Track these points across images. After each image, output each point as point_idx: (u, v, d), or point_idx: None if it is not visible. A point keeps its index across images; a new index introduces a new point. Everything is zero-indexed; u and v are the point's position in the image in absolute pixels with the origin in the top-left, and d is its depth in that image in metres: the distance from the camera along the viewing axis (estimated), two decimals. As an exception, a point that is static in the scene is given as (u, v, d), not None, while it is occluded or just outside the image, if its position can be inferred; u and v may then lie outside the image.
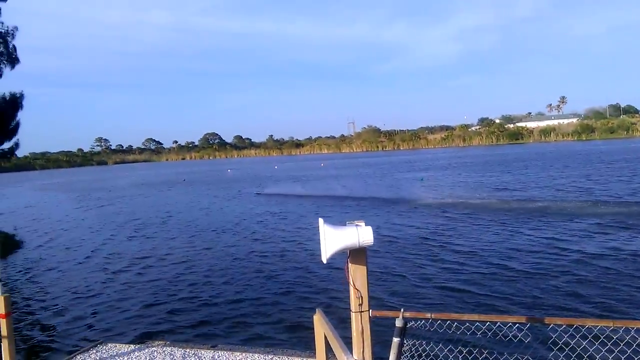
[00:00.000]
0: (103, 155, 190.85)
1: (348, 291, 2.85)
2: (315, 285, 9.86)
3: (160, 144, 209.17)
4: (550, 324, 3.96)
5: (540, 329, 5.42)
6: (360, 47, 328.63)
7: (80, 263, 13.71)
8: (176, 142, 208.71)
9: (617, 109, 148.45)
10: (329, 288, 9.49)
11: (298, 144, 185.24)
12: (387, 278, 9.91)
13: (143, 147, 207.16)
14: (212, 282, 10.67)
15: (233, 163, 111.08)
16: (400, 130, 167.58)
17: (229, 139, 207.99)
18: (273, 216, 20.25)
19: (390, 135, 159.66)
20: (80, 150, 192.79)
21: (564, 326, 4.65)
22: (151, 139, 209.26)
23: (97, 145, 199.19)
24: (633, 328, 3.85)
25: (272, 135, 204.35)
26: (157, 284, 10.83)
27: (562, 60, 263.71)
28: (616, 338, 4.31)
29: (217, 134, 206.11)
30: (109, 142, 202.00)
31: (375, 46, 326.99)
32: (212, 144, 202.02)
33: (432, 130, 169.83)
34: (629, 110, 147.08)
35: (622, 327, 3.92)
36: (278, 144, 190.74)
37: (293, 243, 14.31)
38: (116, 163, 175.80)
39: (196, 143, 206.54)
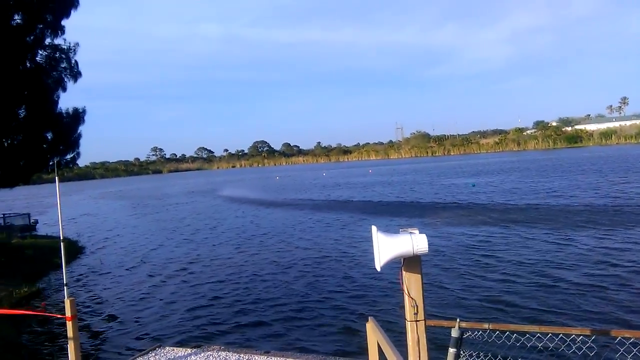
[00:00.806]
0: (158, 164, 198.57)
1: (394, 300, 2.81)
2: (363, 293, 9.80)
3: (212, 152, 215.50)
4: (617, 337, 3.74)
5: (606, 342, 5.12)
6: (408, 52, 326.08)
7: (134, 268, 14.30)
8: (227, 150, 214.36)
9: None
10: (376, 296, 9.40)
11: (346, 151, 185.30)
12: (431, 288, 9.71)
13: (195, 155, 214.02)
14: (261, 288, 10.82)
15: (281, 170, 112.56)
16: (450, 135, 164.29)
17: (277, 146, 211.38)
18: (318, 224, 20.34)
19: (440, 140, 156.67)
20: (137, 159, 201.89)
21: (632, 339, 4.38)
22: (203, 147, 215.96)
23: (153, 155, 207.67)
24: None
25: (319, 142, 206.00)
26: (209, 288, 11.11)
27: (621, 59, 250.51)
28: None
29: (266, 142, 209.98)
30: (163, 151, 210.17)
31: (424, 50, 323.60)
32: (261, 151, 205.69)
33: (484, 134, 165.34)
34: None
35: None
36: (326, 151, 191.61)
37: (344, 250, 14.32)
38: (170, 171, 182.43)
39: (246, 151, 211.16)
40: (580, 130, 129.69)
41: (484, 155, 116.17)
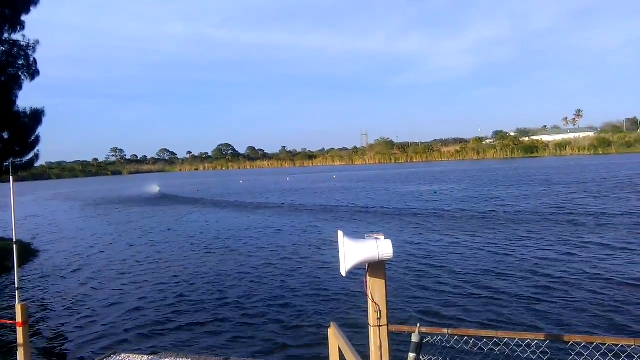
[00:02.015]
0: (118, 165, 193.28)
1: (359, 304, 2.83)
2: (329, 298, 9.81)
3: (174, 154, 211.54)
4: (569, 342, 3.89)
5: (559, 346, 5.32)
6: (375, 59, 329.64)
7: (86, 271, 13.84)
8: (190, 152, 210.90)
9: (634, 123, 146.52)
10: (342, 301, 9.44)
11: (311, 156, 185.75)
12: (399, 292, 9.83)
13: (157, 157, 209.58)
14: (220, 293, 10.67)
15: (246, 174, 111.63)
16: (413, 142, 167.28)
17: (242, 150, 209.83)
18: (278, 229, 20.28)
19: (403, 147, 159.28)
20: (95, 160, 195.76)
21: (583, 344, 4.57)
22: (165, 149, 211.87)
23: (112, 155, 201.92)
24: (656, 347, 3.76)
25: (285, 147, 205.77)
26: (163, 294, 10.87)
27: (578, 73, 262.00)
28: (637, 356, 4.23)
29: (230, 145, 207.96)
30: (123, 152, 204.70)
31: (390, 58, 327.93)
32: (226, 154, 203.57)
33: (446, 142, 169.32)
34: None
35: (645, 346, 3.84)
36: (291, 156, 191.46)
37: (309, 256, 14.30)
38: (131, 173, 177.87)
39: (209, 154, 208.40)
40: (537, 140, 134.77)
41: (445, 163, 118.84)
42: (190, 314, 9.28)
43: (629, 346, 4.64)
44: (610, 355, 4.87)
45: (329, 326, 3.82)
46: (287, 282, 11.24)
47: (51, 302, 10.90)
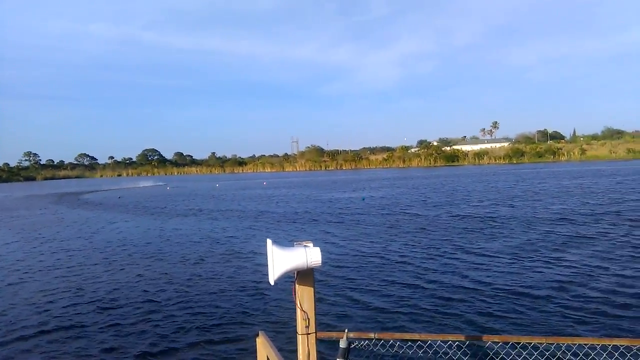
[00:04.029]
0: (32, 171, 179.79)
1: (289, 312, 2.82)
2: (257, 306, 9.70)
3: (95, 159, 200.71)
4: (488, 342, 4.10)
5: (479, 345, 5.60)
6: (306, 68, 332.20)
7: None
8: (112, 157, 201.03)
9: (544, 135, 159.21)
10: (272, 309, 9.36)
11: (241, 162, 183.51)
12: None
13: (76, 162, 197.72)
14: (142, 304, 10.21)
15: (173, 180, 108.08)
16: (343, 150, 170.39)
17: (169, 155, 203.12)
18: (208, 235, 19.81)
19: (333, 155, 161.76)
20: (6, 164, 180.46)
21: (500, 343, 4.86)
22: (85, 154, 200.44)
23: (26, 160, 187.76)
24: (564, 344, 4.07)
25: (214, 153, 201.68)
26: (75, 308, 10.25)
27: (495, 87, 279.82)
28: (548, 354, 4.55)
29: (156, 150, 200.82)
30: (38, 156, 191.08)
31: (321, 67, 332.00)
32: (151, 160, 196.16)
33: (373, 151, 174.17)
34: (555, 136, 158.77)
35: (554, 344, 4.14)
36: (220, 162, 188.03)
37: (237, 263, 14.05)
38: (46, 179, 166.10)
39: (134, 159, 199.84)
40: (458, 150, 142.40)
41: (373, 170, 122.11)
42: (109, 327, 8.78)
43: (541, 344, 4.99)
44: (524, 353, 5.20)
45: (258, 335, 3.77)
46: (214, 291, 10.97)
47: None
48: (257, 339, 3.81)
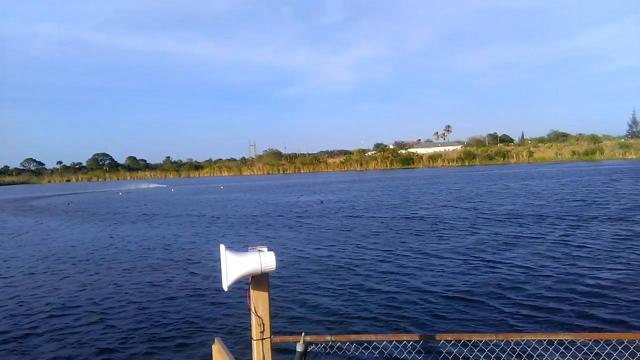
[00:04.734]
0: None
1: (245, 318, 2.80)
2: (212, 313, 9.54)
3: (42, 164, 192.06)
4: (441, 340, 4.21)
5: (432, 345, 5.73)
6: (263, 71, 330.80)
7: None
8: (61, 162, 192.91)
9: (494, 138, 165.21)
10: (229, 315, 9.24)
11: (197, 166, 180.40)
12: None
13: (22, 167, 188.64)
14: (91, 313, 9.86)
15: (126, 185, 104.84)
16: (301, 153, 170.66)
17: (121, 160, 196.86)
18: (170, 240, 19.36)
19: (291, 158, 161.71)
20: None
21: (452, 341, 4.99)
22: (31, 159, 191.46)
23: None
24: (512, 340, 4.23)
25: (169, 157, 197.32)
26: (38, 316, 9.77)
27: (447, 92, 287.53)
28: (499, 350, 4.71)
29: (108, 155, 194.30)
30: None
31: (279, 71, 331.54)
32: (102, 164, 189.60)
33: (331, 154, 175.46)
34: (505, 139, 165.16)
35: (503, 340, 4.30)
36: (176, 166, 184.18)
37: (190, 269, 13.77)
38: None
39: (84, 164, 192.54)
40: (413, 153, 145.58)
41: (331, 173, 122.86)
42: (49, 341, 8.41)
43: (491, 341, 5.16)
44: (475, 350, 5.36)
45: (214, 342, 3.71)
46: (166, 299, 10.71)
47: None
48: (213, 347, 3.75)
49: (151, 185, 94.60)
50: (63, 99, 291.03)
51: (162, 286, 11.93)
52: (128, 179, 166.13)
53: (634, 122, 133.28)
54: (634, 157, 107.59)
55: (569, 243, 14.46)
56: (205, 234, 21.05)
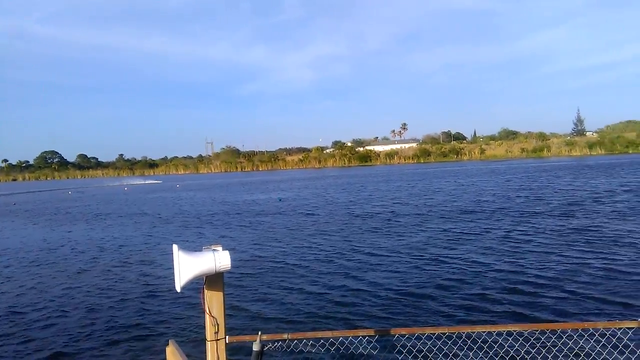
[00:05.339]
0: None
1: (200, 319, 2.77)
2: (166, 314, 9.35)
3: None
4: (395, 334, 4.29)
5: (387, 339, 5.85)
6: (220, 68, 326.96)
7: None
8: (6, 161, 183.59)
9: (448, 136, 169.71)
10: (184, 316, 9.08)
11: (152, 164, 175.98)
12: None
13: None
14: (41, 315, 9.47)
15: (76, 184, 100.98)
16: (259, 151, 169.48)
17: (71, 158, 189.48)
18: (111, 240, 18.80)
19: (249, 156, 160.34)
20: None
21: (407, 335, 5.11)
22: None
23: None
24: (464, 332, 4.38)
25: (122, 155, 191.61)
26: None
27: (403, 90, 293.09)
28: (451, 342, 4.86)
29: (57, 153, 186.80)
30: None
31: (236, 68, 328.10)
32: (51, 163, 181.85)
33: (290, 151, 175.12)
34: (458, 137, 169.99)
35: (455, 332, 4.45)
36: (129, 164, 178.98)
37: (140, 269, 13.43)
38: None
39: (31, 162, 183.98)
40: (370, 150, 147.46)
41: (289, 171, 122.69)
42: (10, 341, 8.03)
43: (444, 334, 5.32)
44: (429, 343, 5.51)
45: (167, 344, 3.65)
46: (117, 301, 10.41)
47: None
48: (167, 349, 3.69)
49: (105, 184, 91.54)
50: (8, 95, 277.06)
51: (114, 288, 11.58)
52: (79, 177, 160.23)
53: (579, 120, 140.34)
54: (579, 154, 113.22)
55: (514, 238, 15.05)
56: (159, 234, 20.57)
